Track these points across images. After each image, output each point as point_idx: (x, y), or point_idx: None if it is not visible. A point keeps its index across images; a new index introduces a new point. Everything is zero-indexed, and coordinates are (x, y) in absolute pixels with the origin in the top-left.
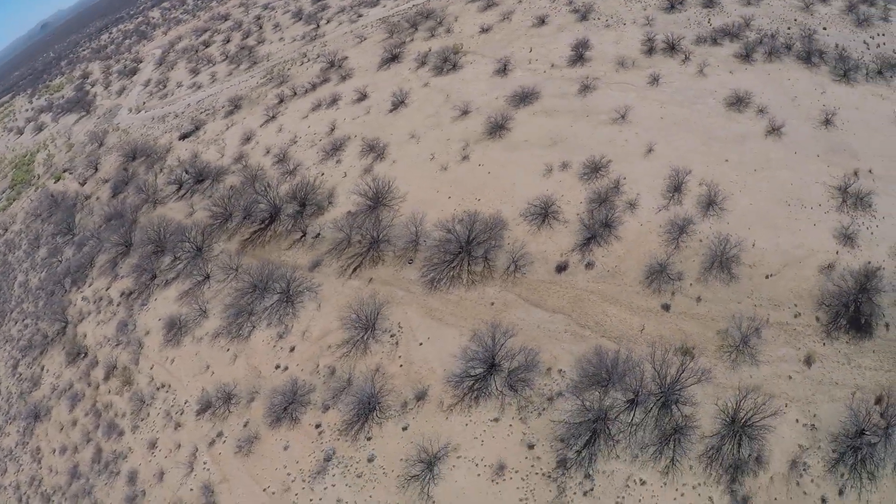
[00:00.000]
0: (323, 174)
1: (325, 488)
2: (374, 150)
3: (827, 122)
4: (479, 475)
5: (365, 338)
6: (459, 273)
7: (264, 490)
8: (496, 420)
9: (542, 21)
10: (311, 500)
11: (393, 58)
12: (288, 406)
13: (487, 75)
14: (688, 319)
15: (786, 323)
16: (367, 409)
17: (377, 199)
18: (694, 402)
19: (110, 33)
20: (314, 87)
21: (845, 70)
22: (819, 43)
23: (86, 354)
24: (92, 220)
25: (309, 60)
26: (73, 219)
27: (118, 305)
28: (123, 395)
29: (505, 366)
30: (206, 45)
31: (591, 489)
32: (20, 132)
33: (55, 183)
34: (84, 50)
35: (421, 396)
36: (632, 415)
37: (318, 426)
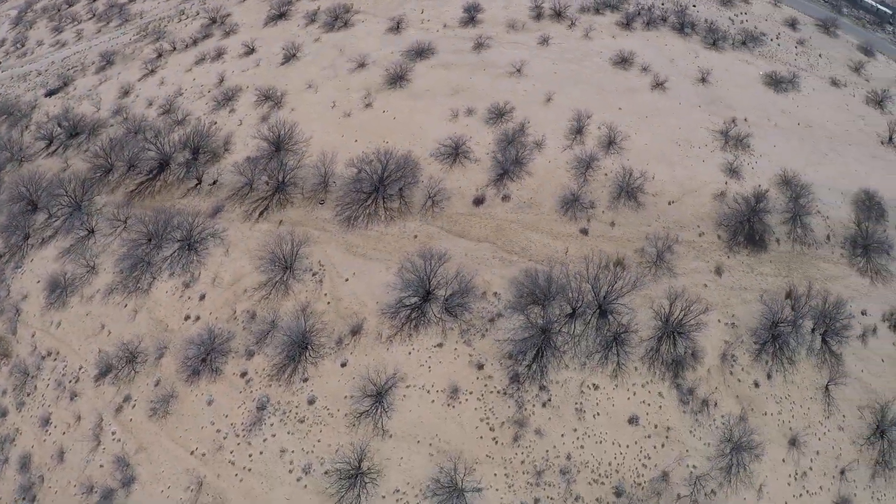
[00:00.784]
0: (216, 123)
1: (264, 440)
2: (271, 98)
3: (703, 80)
4: (433, 401)
5: (284, 278)
6: (376, 210)
7: (192, 453)
8: (440, 346)
9: None
10: (250, 455)
11: (280, 15)
12: (206, 357)
13: (380, 33)
14: (606, 241)
15: (693, 241)
16: (299, 350)
17: (279, 144)
18: (631, 308)
19: None
20: (195, 42)
21: (714, 39)
22: (691, 17)
23: None
24: None
25: (187, 17)
26: None
27: None
28: (1, 370)
29: (440, 294)
30: (70, 3)
31: (549, 399)
32: None
33: None
34: None
35: (356, 331)
36: (573, 327)
37: (244, 374)
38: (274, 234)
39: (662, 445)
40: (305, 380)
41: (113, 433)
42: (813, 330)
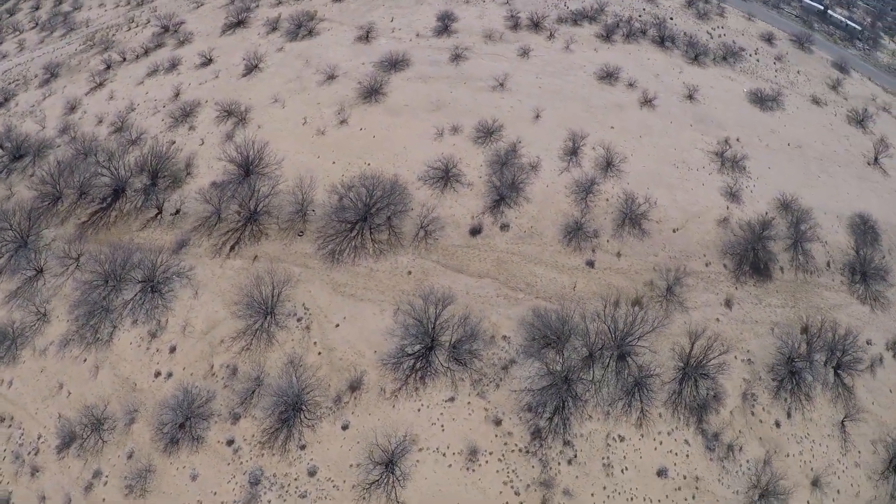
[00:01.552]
0: (175, 142)
1: None
2: (234, 114)
3: (690, 97)
4: (450, 466)
5: (266, 325)
6: (363, 243)
7: None
8: (451, 400)
9: None
10: None
11: (238, 23)
12: (184, 423)
13: (349, 42)
14: (614, 274)
15: (700, 272)
16: (293, 411)
17: (248, 167)
18: (650, 349)
19: None
20: (147, 52)
21: (696, 55)
22: (670, 30)
23: None
24: None
25: (138, 26)
26: None
27: None
28: None
29: (444, 339)
30: (11, 12)
31: (575, 455)
32: None
33: None
34: None
35: (356, 386)
36: (591, 372)
37: (230, 443)
38: (249, 273)
39: (693, 497)
40: (303, 447)
41: None
42: (825, 363)
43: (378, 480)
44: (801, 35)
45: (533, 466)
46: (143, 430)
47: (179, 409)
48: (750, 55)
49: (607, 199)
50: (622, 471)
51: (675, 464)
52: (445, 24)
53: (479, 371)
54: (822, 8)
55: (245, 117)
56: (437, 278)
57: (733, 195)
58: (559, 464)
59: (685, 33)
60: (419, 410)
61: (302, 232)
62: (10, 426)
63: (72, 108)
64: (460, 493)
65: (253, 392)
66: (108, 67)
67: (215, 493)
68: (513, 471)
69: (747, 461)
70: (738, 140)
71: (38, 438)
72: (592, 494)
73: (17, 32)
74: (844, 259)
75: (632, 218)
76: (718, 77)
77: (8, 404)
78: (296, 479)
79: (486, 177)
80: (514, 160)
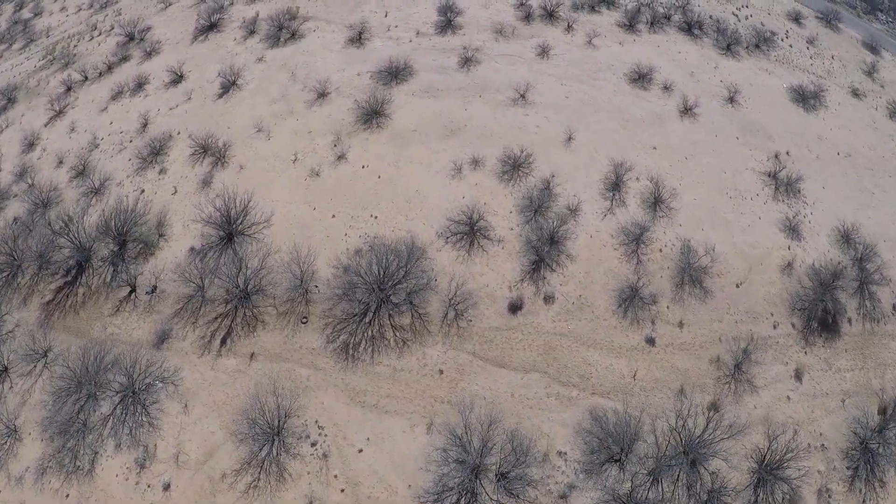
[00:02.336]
0: (143, 191)
1: None
2: (211, 151)
3: (731, 99)
4: None
5: (274, 453)
6: (381, 331)
7: None
8: None
9: None
10: None
11: (211, 26)
12: None
13: (339, 45)
14: (677, 352)
15: (769, 337)
16: None
17: (232, 229)
18: (729, 456)
19: None
20: (110, 68)
21: (728, 44)
22: (695, 14)
23: None
24: None
25: (101, 34)
26: None
27: None
28: None
29: (491, 464)
30: None
31: None
32: None
33: None
34: None
35: None
36: (660, 489)
37: None
38: (247, 378)
39: None
40: None
41: None
42: None
43: None
44: (828, 12)
45: None
46: None
47: None
48: (782, 40)
49: (661, 250)
50: None
51: None
52: (448, 19)
53: (533, 502)
54: None
55: (224, 155)
56: (474, 378)
57: (792, 229)
58: None
59: (711, 17)
60: None
61: (306, 318)
62: None
63: (30, 145)
64: None
65: None
66: (69, 89)
67: None
68: None
69: None
70: (787, 154)
71: None
72: None
73: None
74: None
75: (691, 274)
76: (755, 71)
77: None
78: None
79: (519, 227)
80: (549, 202)
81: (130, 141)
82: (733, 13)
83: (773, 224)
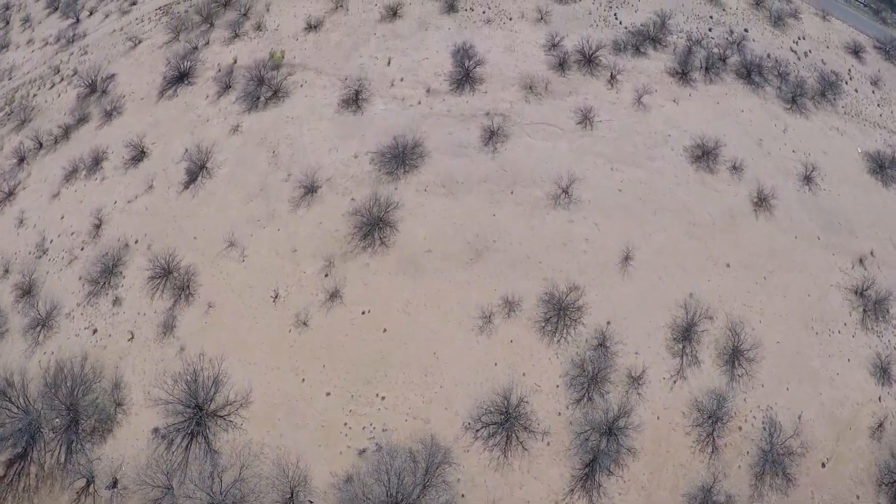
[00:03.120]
0: (96, 331)
1: None
2: (173, 277)
3: (808, 178)
4: None
5: None
6: None
7: None
8: None
9: (393, 13)
10: None
11: (181, 77)
12: None
13: (331, 108)
14: None
15: None
16: None
17: (201, 412)
18: None
19: None
20: (67, 132)
21: (793, 95)
22: (750, 52)
23: None
24: None
25: (62, 80)
26: None
27: None
28: None
29: None
30: None
31: None
32: None
33: None
34: None
35: None
36: None
37: None
38: None
39: None
40: None
41: None
42: None
43: None
44: (887, 41)
45: None
46: None
47: None
48: (846, 83)
49: (740, 428)
50: None
51: None
52: (465, 69)
53: None
54: None
55: (188, 285)
56: None
57: (883, 370)
58: None
59: (769, 55)
60: None
61: None
62: None
63: None
64: None
65: None
66: (22, 160)
67: None
68: None
69: None
70: (872, 254)
71: None
72: None
73: None
74: None
75: (774, 460)
76: (826, 131)
77: None
78: None
79: (569, 411)
80: (607, 369)
81: (82, 248)
82: (791, 49)
83: (863, 366)
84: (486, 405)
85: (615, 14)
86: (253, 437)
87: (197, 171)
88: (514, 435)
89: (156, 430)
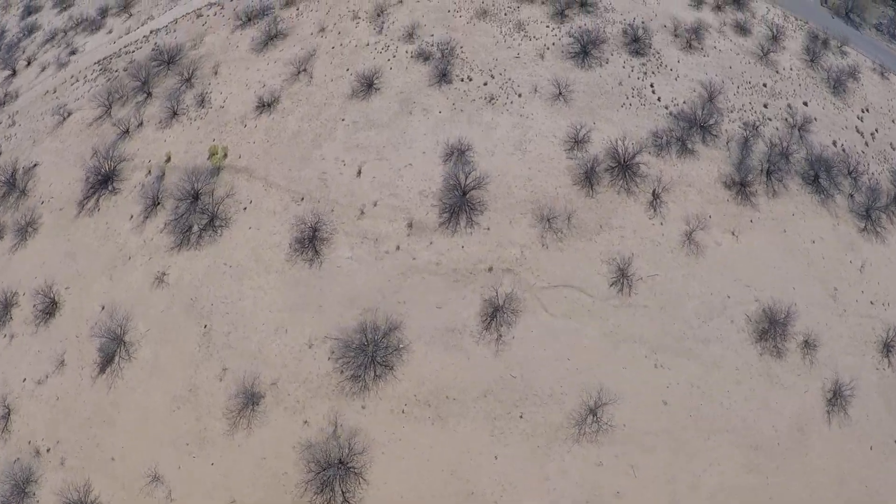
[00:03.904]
0: None
1: None
2: None
3: (888, 349)
4: None
5: None
6: None
7: None
8: None
9: (368, 84)
10: None
11: (104, 181)
12: None
13: (282, 252)
14: None
15: None
16: None
17: None
18: None
19: None
20: None
21: (867, 208)
22: (817, 142)
23: None
24: None
25: None
26: None
27: None
28: None
29: None
30: None
31: None
32: None
33: None
34: None
35: None
36: None
37: None
38: None
39: None
40: None
41: None
42: None
43: None
44: None
45: None
46: None
47: None
48: None
49: None
50: None
51: None
52: (462, 191)
53: None
54: None
55: None
56: None
57: None
58: None
59: (835, 142)
60: None
61: None
62: None
63: None
64: None
65: None
66: None
67: None
68: None
69: None
70: None
71: None
72: None
73: None
74: None
75: None
76: None
77: None
78: None
79: None
80: None
81: None
82: (857, 128)
83: None
84: None
85: (651, 85)
86: None
87: (113, 352)
88: None
89: None
